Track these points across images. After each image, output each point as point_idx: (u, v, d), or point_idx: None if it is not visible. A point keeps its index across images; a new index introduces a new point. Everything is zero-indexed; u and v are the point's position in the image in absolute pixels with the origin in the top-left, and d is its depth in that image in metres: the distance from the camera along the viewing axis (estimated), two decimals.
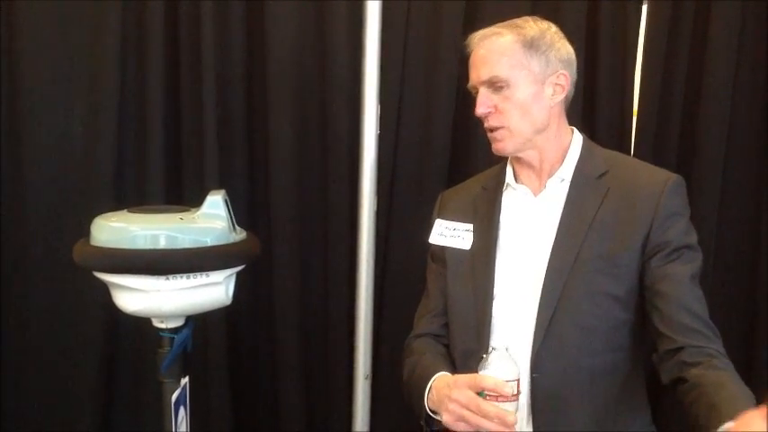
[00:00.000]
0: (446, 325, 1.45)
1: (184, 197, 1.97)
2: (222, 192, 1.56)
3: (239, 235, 1.57)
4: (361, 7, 1.79)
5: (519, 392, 1.17)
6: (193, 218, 1.50)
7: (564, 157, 1.37)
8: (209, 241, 1.48)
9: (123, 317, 1.54)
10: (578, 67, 1.42)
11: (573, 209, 1.32)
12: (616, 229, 1.28)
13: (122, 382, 2.06)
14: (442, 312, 1.46)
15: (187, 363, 1.61)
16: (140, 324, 1.61)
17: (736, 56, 1.78)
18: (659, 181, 1.29)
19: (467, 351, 1.38)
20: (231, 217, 1.55)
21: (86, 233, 1.50)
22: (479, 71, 1.33)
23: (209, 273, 1.48)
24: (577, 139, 1.40)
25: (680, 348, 1.20)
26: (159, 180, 1.96)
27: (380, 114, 1.83)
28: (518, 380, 1.17)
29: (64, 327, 2.02)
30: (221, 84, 1.96)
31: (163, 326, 1.54)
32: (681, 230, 1.27)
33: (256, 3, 1.97)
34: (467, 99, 1.98)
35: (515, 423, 1.11)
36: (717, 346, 1.21)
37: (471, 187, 1.52)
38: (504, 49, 1.31)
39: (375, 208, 1.84)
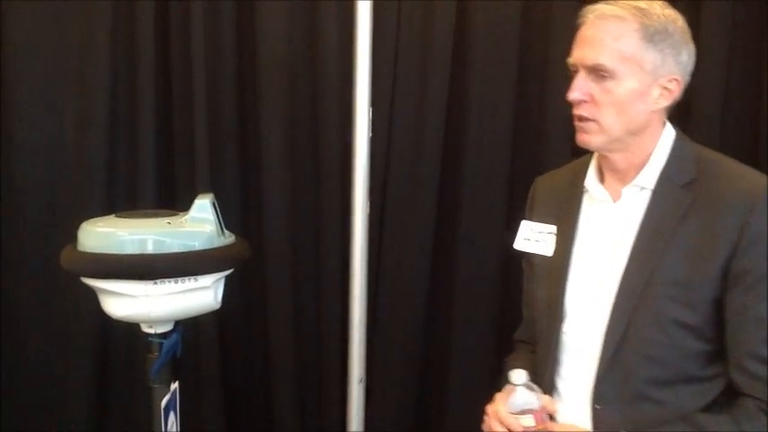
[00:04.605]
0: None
1: (177, 201, 1.96)
2: (210, 195, 1.55)
3: (227, 239, 1.56)
4: (352, 8, 1.78)
5: (539, 423, 1.17)
6: (181, 222, 1.50)
7: (647, 160, 1.21)
8: (197, 245, 1.47)
9: (115, 321, 1.53)
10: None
11: (651, 224, 1.18)
12: (696, 251, 1.13)
13: (115, 385, 2.05)
14: (533, 320, 1.38)
15: (177, 368, 1.60)
16: (132, 328, 1.61)
17: (726, 57, 1.76)
18: (750, 193, 1.11)
19: (541, 360, 1.31)
20: (219, 221, 1.54)
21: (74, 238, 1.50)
22: (585, 52, 1.16)
23: (198, 277, 1.47)
24: (668, 136, 1.23)
25: (743, 396, 1.12)
26: (151, 184, 1.96)
27: (372, 116, 1.81)
28: (537, 411, 1.17)
29: (57, 331, 2.02)
30: (212, 85, 1.95)
31: (152, 331, 1.54)
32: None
33: (247, 3, 1.96)
34: (459, 100, 1.98)
35: None
36: None
37: (563, 178, 1.37)
38: (619, 36, 1.13)
39: (368, 210, 1.83)
